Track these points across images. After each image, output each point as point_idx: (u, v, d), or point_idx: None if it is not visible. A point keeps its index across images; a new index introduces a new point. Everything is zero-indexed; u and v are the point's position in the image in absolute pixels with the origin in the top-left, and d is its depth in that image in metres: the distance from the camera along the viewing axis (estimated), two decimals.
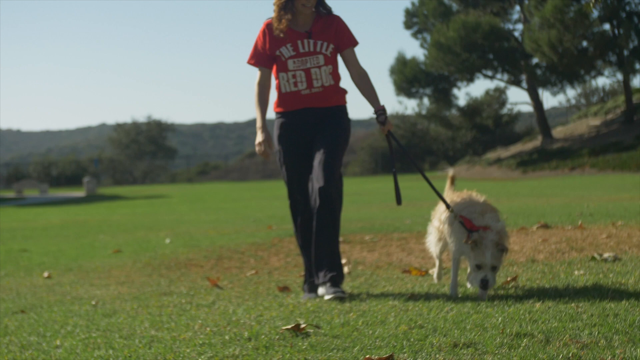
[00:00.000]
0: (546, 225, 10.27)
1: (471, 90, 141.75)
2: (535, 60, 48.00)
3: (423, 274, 7.17)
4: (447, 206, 6.03)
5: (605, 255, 7.16)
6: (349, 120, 6.43)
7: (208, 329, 5.06)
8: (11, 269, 9.71)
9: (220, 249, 10.37)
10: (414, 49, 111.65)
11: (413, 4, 53.62)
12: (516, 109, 65.29)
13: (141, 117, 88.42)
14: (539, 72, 48.72)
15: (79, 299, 7.02)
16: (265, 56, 6.28)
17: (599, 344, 3.99)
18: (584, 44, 44.12)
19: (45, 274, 8.90)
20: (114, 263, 9.71)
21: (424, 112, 58.95)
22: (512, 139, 59.72)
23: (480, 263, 5.60)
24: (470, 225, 5.71)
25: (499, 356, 3.90)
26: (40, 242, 13.84)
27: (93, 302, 6.68)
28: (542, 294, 5.58)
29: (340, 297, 5.92)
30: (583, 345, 4.00)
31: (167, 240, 12.37)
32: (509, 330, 4.38)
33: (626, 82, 46.24)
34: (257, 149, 6.24)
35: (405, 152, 6.57)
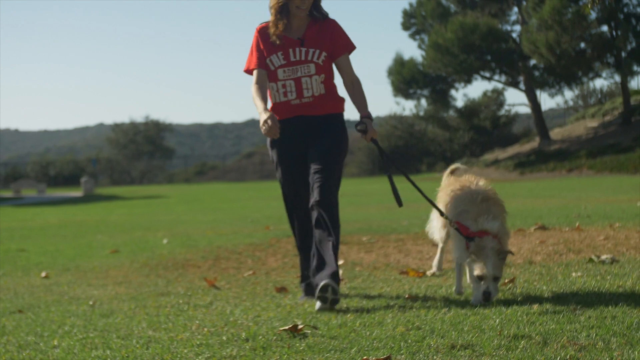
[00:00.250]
0: (544, 227, 10.27)
1: (469, 92, 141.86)
2: (533, 62, 48.03)
3: (420, 275, 7.17)
4: (441, 213, 5.89)
5: (603, 257, 7.16)
6: (345, 129, 6.21)
7: (205, 329, 5.06)
8: (9, 269, 9.70)
9: (217, 249, 10.37)
10: (412, 50, 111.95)
11: (411, 4, 53.65)
12: (514, 110, 65.26)
13: (139, 117, 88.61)
14: (536, 73, 48.76)
15: (77, 299, 7.01)
16: (262, 59, 6.08)
17: (597, 346, 3.99)
18: (582, 45, 44.18)
19: (43, 274, 8.90)
20: (112, 263, 9.70)
21: (421, 113, 58.93)
22: (509, 140, 59.73)
23: (481, 275, 5.41)
24: (466, 232, 5.53)
25: (496, 358, 3.90)
26: (38, 242, 13.83)
27: (90, 302, 6.68)
28: (539, 295, 5.59)
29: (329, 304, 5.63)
30: (581, 347, 4.00)
31: (165, 241, 12.36)
32: (506, 332, 4.38)
33: (624, 84, 46.27)
34: (263, 129, 5.83)
35: (390, 160, 6.35)
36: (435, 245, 9.40)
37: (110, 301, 6.75)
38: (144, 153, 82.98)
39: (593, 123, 50.46)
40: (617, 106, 50.24)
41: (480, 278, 5.41)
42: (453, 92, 55.22)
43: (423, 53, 52.10)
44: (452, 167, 6.66)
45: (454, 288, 6.06)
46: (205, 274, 8.29)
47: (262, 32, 6.11)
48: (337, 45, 6.09)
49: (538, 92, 51.33)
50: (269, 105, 6.14)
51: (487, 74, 51.16)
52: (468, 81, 52.30)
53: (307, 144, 6.08)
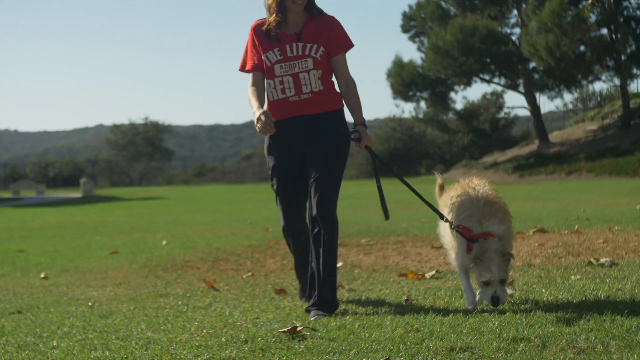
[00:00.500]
0: (543, 230, 10.27)
1: (468, 94, 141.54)
2: (532, 65, 48.09)
3: (419, 277, 7.17)
4: (441, 217, 5.65)
5: (602, 260, 7.16)
6: (346, 126, 5.98)
7: (204, 331, 5.06)
8: (8, 270, 9.70)
9: (216, 250, 10.37)
10: (411, 53, 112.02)
11: (410, 7, 53.73)
12: (513, 113, 65.37)
13: (138, 119, 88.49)
14: (536, 76, 48.80)
15: (76, 299, 7.01)
16: (257, 59, 5.92)
17: (596, 349, 3.99)
18: (582, 48, 44.22)
19: (42, 275, 8.90)
20: (111, 264, 9.70)
21: (420, 115, 58.96)
22: (509, 143, 59.75)
23: (487, 280, 5.20)
24: (469, 234, 5.31)
25: None
26: (37, 243, 13.82)
27: (90, 303, 6.68)
28: (538, 298, 5.59)
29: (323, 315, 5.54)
30: (580, 350, 4.00)
31: (164, 242, 12.36)
32: (505, 334, 4.38)
33: (623, 87, 46.32)
34: (257, 126, 5.66)
35: (387, 166, 6.24)
36: (434, 247, 9.41)
37: (109, 302, 6.75)
38: (143, 154, 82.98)
39: (592, 126, 50.51)
40: (616, 109, 50.29)
41: (486, 283, 5.22)
42: (452, 94, 55.34)
43: (422, 55, 52.16)
44: (439, 182, 6.32)
45: (465, 302, 5.58)
46: (204, 275, 8.29)
47: (257, 29, 5.93)
48: (335, 43, 5.89)
49: (537, 95, 51.42)
50: (266, 105, 5.96)
51: (487, 77, 51.21)
52: (467, 84, 52.36)
53: (306, 146, 5.86)
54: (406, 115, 66.40)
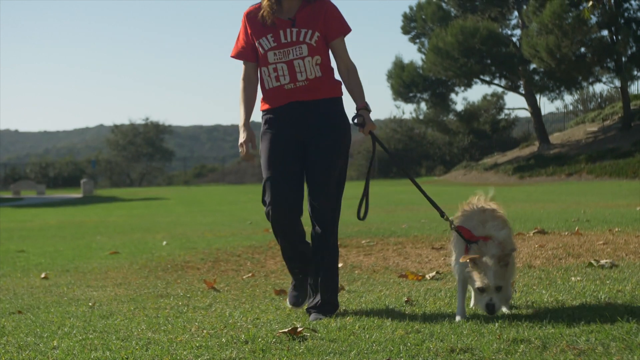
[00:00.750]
0: (543, 231, 10.27)
1: (469, 95, 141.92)
2: (533, 66, 48.08)
3: (419, 278, 7.18)
4: (442, 214, 5.47)
5: (602, 261, 7.16)
6: (345, 116, 5.75)
7: (205, 331, 5.06)
8: (8, 270, 9.70)
9: (217, 251, 10.37)
10: (412, 54, 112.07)
11: (411, 8, 53.70)
12: (513, 114, 65.39)
13: (139, 119, 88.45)
14: (536, 77, 48.79)
15: (76, 300, 7.01)
16: (247, 48, 5.73)
17: (596, 351, 3.99)
18: (582, 50, 44.21)
19: (42, 275, 8.90)
20: (111, 264, 9.70)
21: (421, 116, 58.95)
22: (509, 144, 59.76)
23: (483, 286, 4.91)
24: (468, 235, 5.08)
25: None
26: (38, 243, 13.83)
27: (90, 304, 6.68)
28: (539, 299, 5.59)
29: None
30: (580, 351, 4.00)
31: (164, 243, 12.36)
32: (505, 335, 4.38)
33: (624, 89, 46.32)
34: (240, 150, 5.69)
35: (391, 156, 5.99)
36: (434, 248, 9.42)
37: (109, 302, 6.75)
38: (143, 155, 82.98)
39: (593, 127, 50.51)
40: (617, 111, 50.30)
41: (481, 290, 4.94)
42: (453, 95, 55.28)
43: (423, 57, 52.14)
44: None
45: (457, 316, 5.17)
46: (204, 276, 8.29)
47: (250, 15, 5.72)
48: (331, 27, 5.65)
49: (538, 97, 51.39)
50: (258, 101, 5.78)
51: (487, 78, 51.20)
52: (468, 85, 52.34)
53: (303, 135, 5.64)
54: (406, 116, 66.44)
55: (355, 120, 5.64)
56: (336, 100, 5.73)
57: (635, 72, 45.53)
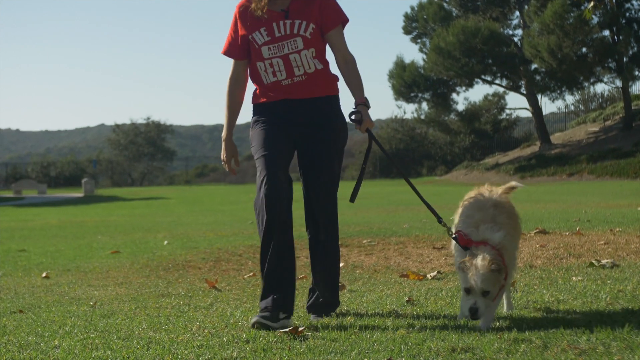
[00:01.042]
0: (544, 231, 10.28)
1: (470, 95, 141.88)
2: (534, 66, 48.04)
3: (421, 278, 7.18)
4: (439, 219, 5.27)
5: (603, 261, 7.17)
6: (342, 115, 5.49)
7: (206, 331, 5.06)
8: (9, 269, 9.70)
9: (218, 251, 10.37)
10: (413, 54, 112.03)
11: (412, 8, 53.65)
12: (515, 114, 65.38)
13: (140, 119, 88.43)
14: (538, 77, 48.75)
15: (77, 299, 7.02)
16: (237, 45, 5.48)
17: (597, 350, 3.99)
18: (584, 50, 44.18)
19: (44, 274, 8.90)
20: (112, 264, 9.70)
21: (422, 116, 58.94)
22: (510, 144, 59.74)
23: (468, 287, 4.69)
24: (464, 242, 4.86)
25: None
26: (39, 243, 13.83)
27: (91, 303, 6.68)
28: (540, 299, 5.59)
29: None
30: (581, 351, 4.00)
31: (165, 242, 12.36)
32: (506, 335, 4.38)
33: (625, 89, 46.29)
34: (223, 164, 5.55)
35: (387, 156, 5.75)
36: (435, 248, 9.42)
37: (110, 302, 6.75)
38: (144, 154, 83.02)
39: (594, 127, 50.49)
40: (618, 111, 50.28)
41: (467, 291, 4.72)
42: (454, 95, 55.22)
43: (424, 56, 52.11)
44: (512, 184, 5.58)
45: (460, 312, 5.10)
46: (205, 275, 8.29)
47: (242, 8, 5.46)
48: (327, 17, 5.39)
49: (539, 97, 51.35)
50: (250, 94, 5.55)
51: (489, 78, 51.17)
52: (469, 85, 52.32)
53: (298, 135, 5.41)
54: (408, 116, 66.55)
55: (352, 117, 5.35)
56: (332, 98, 5.50)
57: (636, 73, 45.54)
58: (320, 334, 4.72)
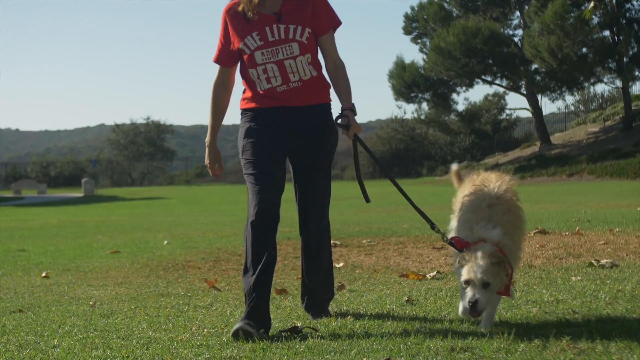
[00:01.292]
0: (544, 231, 10.28)
1: (470, 96, 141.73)
2: (534, 66, 48.01)
3: (420, 278, 7.18)
4: (432, 226, 5.05)
5: (603, 261, 7.17)
6: (334, 125, 5.31)
7: (205, 330, 5.06)
8: (9, 269, 9.71)
9: (217, 250, 10.37)
10: (413, 54, 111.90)
11: (413, 8, 53.64)
12: (515, 114, 65.36)
13: (140, 118, 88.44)
14: (538, 78, 48.72)
15: (77, 299, 7.02)
16: (225, 52, 5.28)
17: (596, 350, 4.00)
18: (584, 50, 44.17)
19: (43, 274, 8.90)
20: (112, 264, 9.70)
21: (422, 116, 58.90)
22: (510, 144, 59.73)
23: (468, 278, 4.51)
24: (461, 245, 4.68)
25: None
26: (38, 242, 13.83)
27: (91, 303, 6.68)
28: (539, 299, 5.59)
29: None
30: (580, 350, 4.00)
31: (165, 242, 12.37)
32: (506, 334, 4.38)
33: (625, 89, 46.28)
34: (207, 169, 5.46)
35: (376, 161, 5.52)
36: (435, 248, 9.42)
37: (110, 301, 6.75)
38: (144, 154, 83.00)
39: (594, 128, 50.48)
40: (618, 111, 50.27)
41: (466, 283, 4.53)
42: (454, 95, 55.14)
43: (424, 57, 52.09)
44: (455, 169, 5.71)
45: (459, 309, 4.88)
46: (205, 275, 8.30)
47: (231, 12, 5.23)
48: (321, 21, 5.19)
49: (539, 97, 51.34)
50: (253, 93, 5.28)
51: (489, 78, 51.15)
52: (469, 85, 52.28)
53: (291, 139, 5.24)
54: (408, 116, 66.51)
55: (339, 121, 5.21)
56: (326, 106, 5.34)
57: (636, 73, 45.51)
58: (320, 334, 4.73)
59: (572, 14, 41.71)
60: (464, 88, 53.36)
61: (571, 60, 43.23)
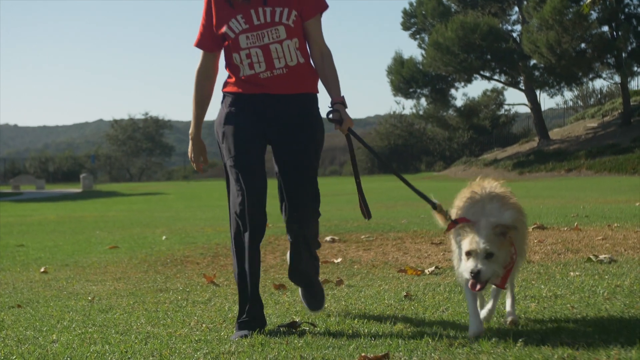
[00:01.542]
0: (542, 227, 10.29)
1: (468, 91, 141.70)
2: (533, 62, 48.05)
3: (419, 273, 7.18)
4: (433, 206, 4.76)
5: (601, 256, 7.17)
6: (319, 115, 5.06)
7: (204, 325, 5.07)
8: (8, 264, 9.70)
9: (216, 246, 10.38)
10: (412, 49, 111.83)
11: (411, 4, 53.64)
12: (513, 110, 65.40)
13: (138, 114, 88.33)
14: (536, 73, 48.75)
15: (75, 294, 7.02)
16: (207, 36, 5.01)
17: (594, 345, 4.00)
18: (583, 45, 44.21)
19: (42, 269, 8.90)
20: (110, 259, 9.70)
21: (421, 112, 58.92)
22: (509, 140, 59.77)
23: (470, 249, 4.22)
24: (465, 220, 4.36)
25: (494, 356, 3.91)
26: (37, 238, 13.83)
27: (89, 298, 6.68)
28: (537, 294, 5.59)
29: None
30: (578, 345, 4.00)
31: (164, 237, 12.36)
32: (504, 329, 4.38)
33: (624, 84, 46.33)
34: (191, 162, 5.25)
35: (373, 153, 5.31)
36: (433, 243, 9.43)
37: (109, 297, 6.75)
38: (143, 150, 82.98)
39: (592, 123, 50.51)
40: (616, 107, 50.30)
41: (468, 254, 4.23)
42: (453, 91, 55.26)
43: (423, 52, 52.10)
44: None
45: (469, 330, 4.38)
46: (204, 270, 8.29)
47: None
48: (307, 3, 4.93)
49: (538, 92, 51.39)
50: (238, 77, 5.00)
51: (487, 74, 51.18)
52: (468, 80, 52.31)
53: (273, 130, 4.98)
54: (406, 111, 66.55)
55: (331, 116, 4.91)
56: (312, 97, 5.06)
57: (635, 68, 45.61)
58: (318, 329, 4.73)
59: (570, 10, 41.75)
60: (462, 83, 53.40)
61: (570, 55, 43.25)
